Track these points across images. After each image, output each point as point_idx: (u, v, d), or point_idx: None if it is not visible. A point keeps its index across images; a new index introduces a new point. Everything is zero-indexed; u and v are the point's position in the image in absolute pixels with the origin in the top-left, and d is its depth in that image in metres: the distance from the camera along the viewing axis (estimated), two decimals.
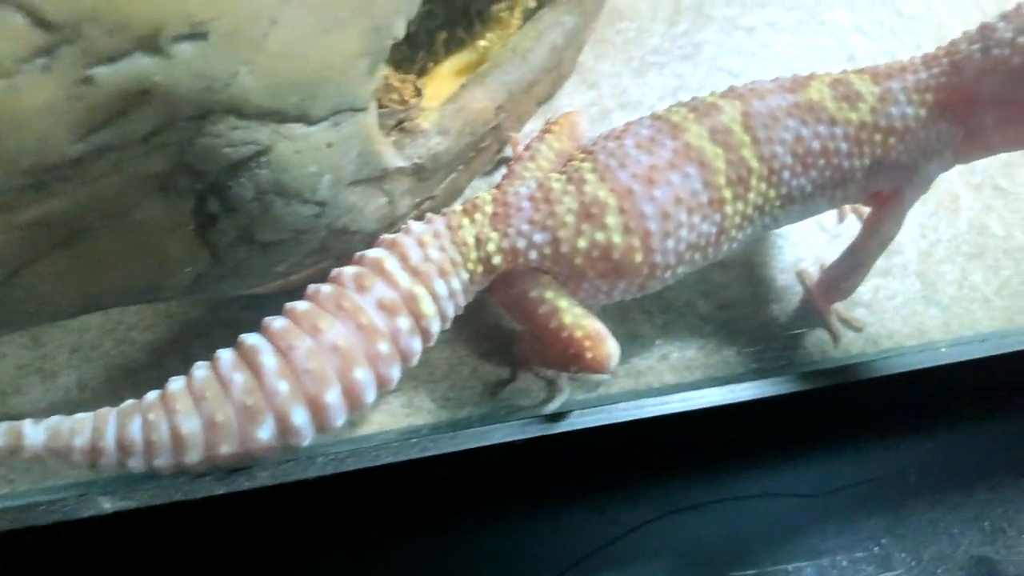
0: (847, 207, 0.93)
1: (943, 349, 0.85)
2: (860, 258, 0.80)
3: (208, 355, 0.65)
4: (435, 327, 0.69)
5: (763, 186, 0.72)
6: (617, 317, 0.84)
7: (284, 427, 0.64)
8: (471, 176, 0.87)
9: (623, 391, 0.81)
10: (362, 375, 0.65)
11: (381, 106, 0.71)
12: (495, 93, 0.81)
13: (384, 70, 0.68)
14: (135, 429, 0.62)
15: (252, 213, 0.62)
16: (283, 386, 0.63)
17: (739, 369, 0.84)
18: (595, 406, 0.77)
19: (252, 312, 0.69)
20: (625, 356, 0.81)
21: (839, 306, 0.87)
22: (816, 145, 0.72)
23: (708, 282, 0.88)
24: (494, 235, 0.70)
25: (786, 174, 0.72)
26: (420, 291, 0.68)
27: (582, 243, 0.70)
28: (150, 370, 0.77)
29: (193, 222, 0.61)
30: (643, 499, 0.83)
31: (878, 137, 0.72)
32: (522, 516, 0.82)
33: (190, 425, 0.62)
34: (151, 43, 0.51)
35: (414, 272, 0.68)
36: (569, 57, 0.94)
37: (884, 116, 0.72)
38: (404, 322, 0.67)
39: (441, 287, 0.69)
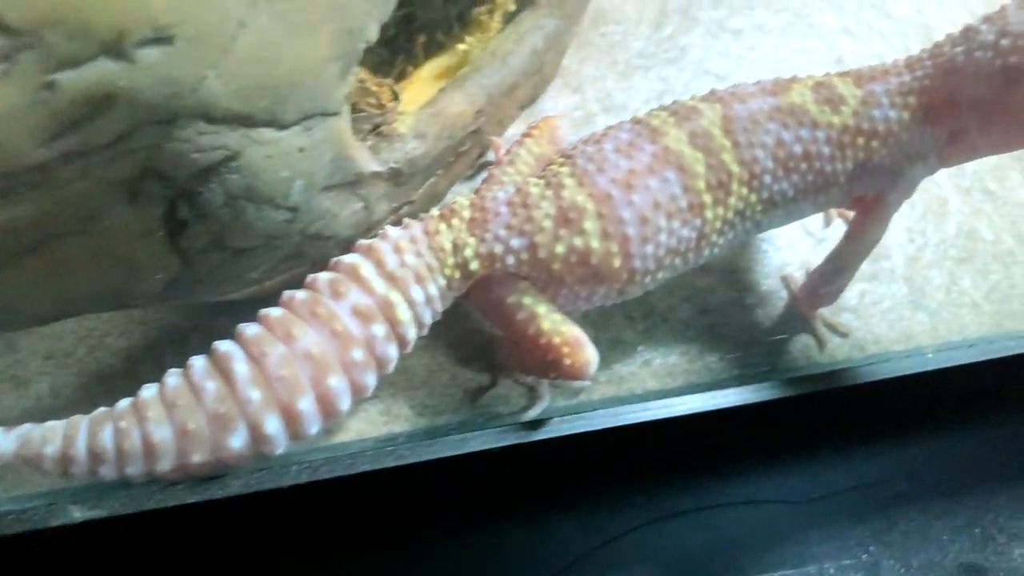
0: (833, 211, 0.92)
1: (930, 355, 0.84)
2: (844, 263, 0.79)
3: (183, 362, 0.65)
4: (411, 333, 0.69)
5: (744, 191, 0.71)
6: (599, 322, 0.83)
7: (257, 435, 0.63)
8: (451, 181, 0.87)
9: (605, 398, 0.80)
10: (336, 382, 0.65)
11: (357, 110, 0.70)
12: (474, 97, 0.80)
13: (359, 74, 0.67)
14: (107, 437, 0.62)
15: (223, 219, 0.61)
16: (255, 394, 0.63)
17: (723, 375, 0.83)
18: (576, 413, 0.76)
19: (228, 318, 0.68)
20: (607, 362, 0.81)
21: (825, 311, 0.86)
22: (798, 149, 0.71)
23: (692, 287, 0.87)
24: (471, 240, 0.70)
25: (767, 178, 0.71)
26: (396, 297, 0.67)
27: (560, 248, 0.69)
28: (124, 377, 0.76)
29: (163, 228, 0.61)
30: (626, 507, 0.83)
31: (861, 141, 0.71)
32: (501, 526, 0.81)
33: (162, 433, 0.62)
34: (115, 48, 0.51)
35: (390, 278, 0.68)
36: (551, 60, 0.94)
37: (867, 119, 0.71)
38: (379, 328, 0.66)
39: (417, 293, 0.69)
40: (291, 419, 0.64)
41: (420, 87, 0.82)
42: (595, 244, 0.69)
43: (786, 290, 0.88)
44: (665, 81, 1.01)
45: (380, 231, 0.71)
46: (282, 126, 0.60)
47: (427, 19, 0.84)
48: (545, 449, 0.74)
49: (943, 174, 0.76)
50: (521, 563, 0.79)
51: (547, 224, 0.69)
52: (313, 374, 0.64)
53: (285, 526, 0.76)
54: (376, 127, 0.72)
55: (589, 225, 0.68)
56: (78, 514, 0.65)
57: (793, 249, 0.91)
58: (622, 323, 0.85)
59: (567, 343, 0.70)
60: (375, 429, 0.77)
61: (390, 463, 0.70)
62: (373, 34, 0.64)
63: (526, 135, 0.81)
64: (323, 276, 0.68)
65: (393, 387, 0.78)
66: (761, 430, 0.85)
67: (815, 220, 0.92)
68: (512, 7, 0.89)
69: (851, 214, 0.82)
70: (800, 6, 1.10)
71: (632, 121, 0.74)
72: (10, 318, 0.64)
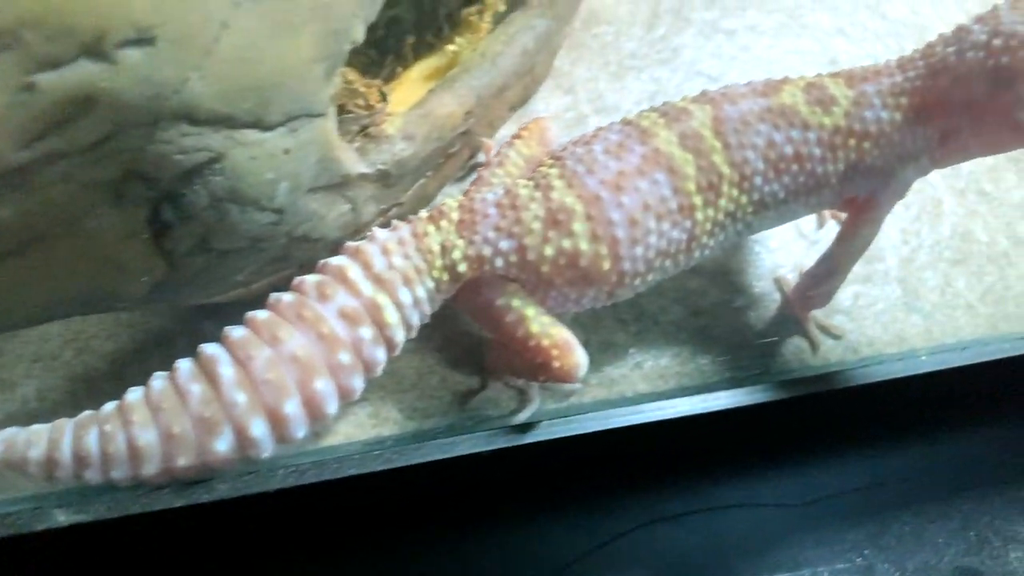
0: (827, 212, 0.92)
1: (924, 357, 0.83)
2: (837, 264, 0.79)
3: (169, 365, 0.65)
4: (399, 336, 0.68)
5: (735, 192, 0.71)
6: (590, 325, 0.83)
7: (242, 439, 0.63)
8: (441, 182, 0.86)
9: (595, 400, 0.80)
10: (323, 386, 0.64)
11: (345, 111, 0.70)
12: (464, 98, 0.80)
13: (347, 75, 0.67)
14: (92, 441, 0.62)
15: (208, 221, 0.61)
16: (241, 397, 0.62)
17: (715, 378, 0.82)
18: (566, 416, 0.76)
19: (215, 321, 0.68)
20: (598, 365, 0.80)
21: (818, 313, 0.85)
22: (789, 150, 0.70)
23: (683, 289, 0.87)
24: (460, 242, 0.69)
25: (758, 180, 0.71)
26: (383, 300, 0.67)
27: (549, 250, 0.68)
28: (111, 380, 0.76)
29: (148, 230, 0.61)
30: (618, 510, 0.82)
31: (852, 142, 0.71)
32: (491, 530, 0.80)
33: (147, 437, 0.62)
34: (96, 49, 0.50)
35: (377, 280, 0.67)
36: (542, 61, 0.93)
37: (858, 120, 0.71)
38: (367, 331, 0.66)
39: (405, 295, 0.68)
40: (277, 422, 0.63)
41: (409, 88, 0.82)
42: (584, 246, 0.68)
43: (779, 292, 0.88)
44: (658, 82, 1.01)
45: (368, 233, 0.71)
46: (266, 127, 0.60)
47: (416, 20, 0.83)
48: (535, 452, 0.74)
49: (938, 175, 0.75)
50: (511, 568, 0.78)
51: (536, 226, 0.68)
52: (299, 377, 0.63)
53: (272, 530, 0.76)
54: (364, 128, 0.72)
55: (578, 227, 0.68)
56: (63, 518, 0.65)
57: (786, 251, 0.90)
58: (613, 325, 0.84)
59: (556, 345, 0.69)
60: (363, 432, 0.76)
61: (378, 467, 0.69)
62: (359, 35, 0.64)
63: (516, 136, 0.81)
64: (310, 278, 0.67)
65: (382, 390, 0.78)
66: (754, 433, 0.84)
67: (808, 222, 0.91)
68: (502, 8, 0.88)
69: (844, 216, 0.82)
70: (794, 7, 1.10)
71: (622, 122, 0.74)
72: None
